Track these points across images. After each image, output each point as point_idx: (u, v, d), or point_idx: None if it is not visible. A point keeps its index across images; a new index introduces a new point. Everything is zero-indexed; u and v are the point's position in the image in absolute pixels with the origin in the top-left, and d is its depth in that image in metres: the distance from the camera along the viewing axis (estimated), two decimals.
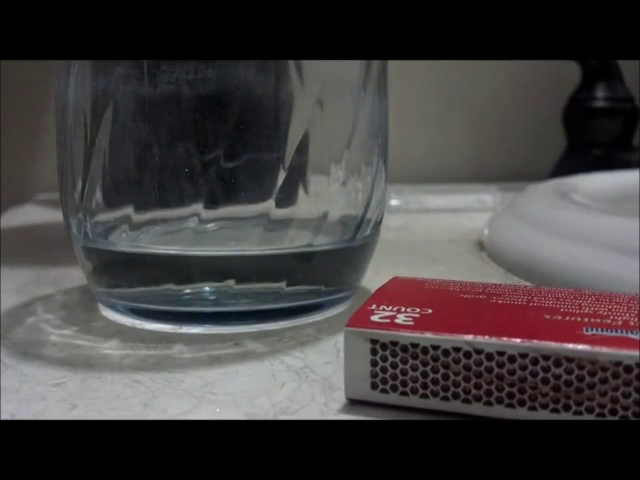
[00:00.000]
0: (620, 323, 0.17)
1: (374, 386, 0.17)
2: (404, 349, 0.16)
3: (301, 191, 0.23)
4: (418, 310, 0.18)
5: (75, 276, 0.29)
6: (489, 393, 0.16)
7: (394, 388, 0.17)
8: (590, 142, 0.56)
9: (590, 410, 0.15)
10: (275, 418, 0.17)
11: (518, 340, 0.16)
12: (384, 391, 0.17)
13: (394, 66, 0.28)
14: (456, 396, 0.16)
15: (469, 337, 0.16)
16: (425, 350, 0.16)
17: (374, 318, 0.17)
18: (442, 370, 0.16)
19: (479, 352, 0.16)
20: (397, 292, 0.20)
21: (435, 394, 0.16)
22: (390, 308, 0.18)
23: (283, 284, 0.23)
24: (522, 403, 0.16)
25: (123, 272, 0.23)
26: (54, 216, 0.27)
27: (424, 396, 0.17)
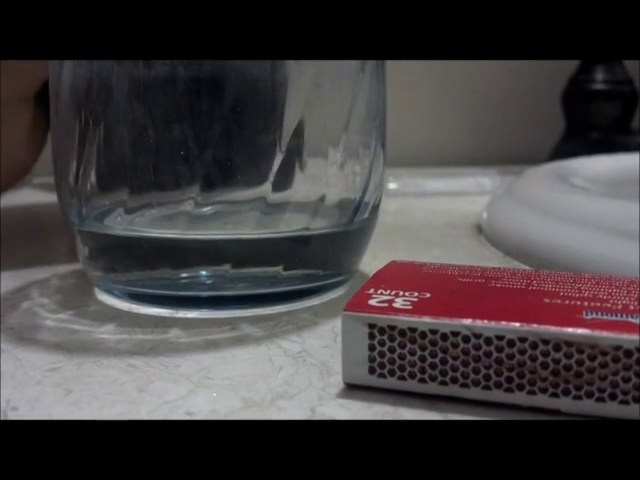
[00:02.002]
0: (620, 307, 0.16)
1: (372, 370, 0.17)
2: (402, 333, 0.16)
3: (298, 174, 0.23)
4: (416, 294, 0.18)
5: (71, 260, 0.28)
6: (488, 377, 0.16)
7: (392, 372, 0.17)
8: (589, 125, 0.55)
9: (590, 394, 0.15)
10: (272, 402, 0.17)
11: (517, 324, 0.16)
12: (382, 375, 0.17)
13: None
14: (454, 380, 0.16)
15: (468, 321, 0.16)
16: (423, 334, 0.16)
17: (372, 302, 0.17)
18: (440, 354, 0.16)
19: (478, 336, 0.16)
20: (395, 276, 0.20)
21: (433, 378, 0.16)
22: (388, 292, 0.18)
23: (280, 268, 0.23)
24: (521, 387, 0.16)
25: (119, 256, 0.23)
26: (50, 200, 0.27)
27: (422, 380, 0.16)
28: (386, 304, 0.17)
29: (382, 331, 0.17)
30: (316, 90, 0.22)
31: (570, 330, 0.15)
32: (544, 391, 0.16)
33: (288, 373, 0.18)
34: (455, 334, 0.16)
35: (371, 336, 0.17)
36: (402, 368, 0.17)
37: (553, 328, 0.15)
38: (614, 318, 0.16)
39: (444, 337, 0.16)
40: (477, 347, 0.16)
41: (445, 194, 0.47)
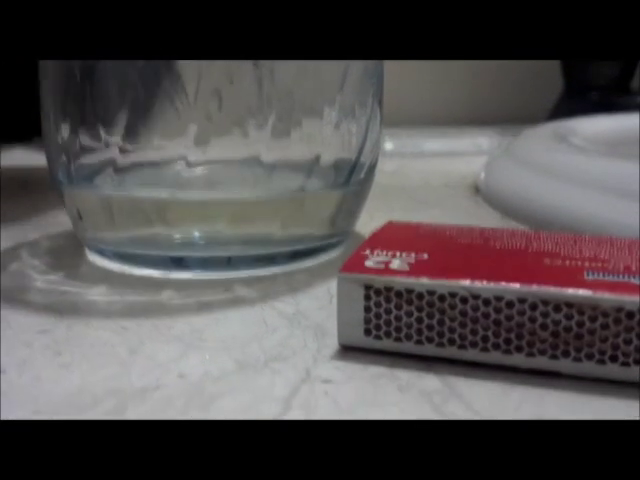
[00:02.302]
0: (622, 268, 0.16)
1: (367, 332, 0.16)
2: (399, 295, 0.16)
3: (293, 134, 0.22)
4: (413, 255, 0.17)
5: (61, 221, 0.28)
6: (486, 339, 0.16)
7: (388, 334, 0.16)
8: (588, 85, 0.55)
9: (590, 357, 0.15)
10: (266, 364, 0.16)
11: (517, 285, 0.15)
12: (378, 337, 0.16)
13: None
14: (452, 342, 0.16)
15: (466, 282, 0.16)
16: (420, 296, 0.16)
17: (368, 263, 0.17)
18: (437, 316, 0.16)
19: (476, 297, 0.15)
20: (392, 237, 0.19)
21: (430, 340, 0.16)
22: (385, 253, 0.17)
23: (275, 229, 0.22)
24: (519, 349, 0.15)
25: (109, 217, 0.23)
26: (41, 160, 0.26)
27: (419, 342, 0.16)
28: (383, 265, 0.17)
29: (378, 292, 0.16)
30: None
31: (571, 291, 0.15)
32: (543, 353, 0.15)
33: (282, 335, 0.18)
34: (453, 295, 0.16)
35: (367, 297, 0.16)
36: (398, 330, 0.16)
37: (553, 289, 0.15)
38: (616, 279, 0.15)
39: (442, 298, 0.16)
40: (475, 308, 0.16)
41: (443, 154, 0.46)
